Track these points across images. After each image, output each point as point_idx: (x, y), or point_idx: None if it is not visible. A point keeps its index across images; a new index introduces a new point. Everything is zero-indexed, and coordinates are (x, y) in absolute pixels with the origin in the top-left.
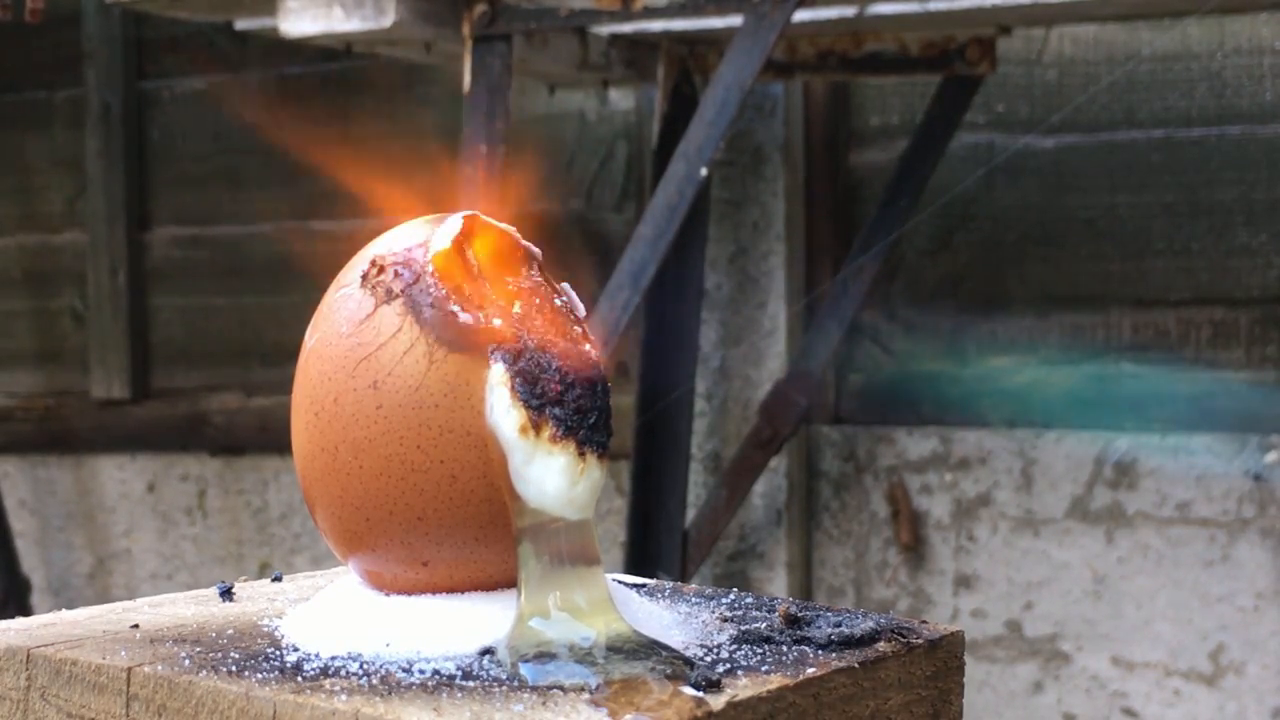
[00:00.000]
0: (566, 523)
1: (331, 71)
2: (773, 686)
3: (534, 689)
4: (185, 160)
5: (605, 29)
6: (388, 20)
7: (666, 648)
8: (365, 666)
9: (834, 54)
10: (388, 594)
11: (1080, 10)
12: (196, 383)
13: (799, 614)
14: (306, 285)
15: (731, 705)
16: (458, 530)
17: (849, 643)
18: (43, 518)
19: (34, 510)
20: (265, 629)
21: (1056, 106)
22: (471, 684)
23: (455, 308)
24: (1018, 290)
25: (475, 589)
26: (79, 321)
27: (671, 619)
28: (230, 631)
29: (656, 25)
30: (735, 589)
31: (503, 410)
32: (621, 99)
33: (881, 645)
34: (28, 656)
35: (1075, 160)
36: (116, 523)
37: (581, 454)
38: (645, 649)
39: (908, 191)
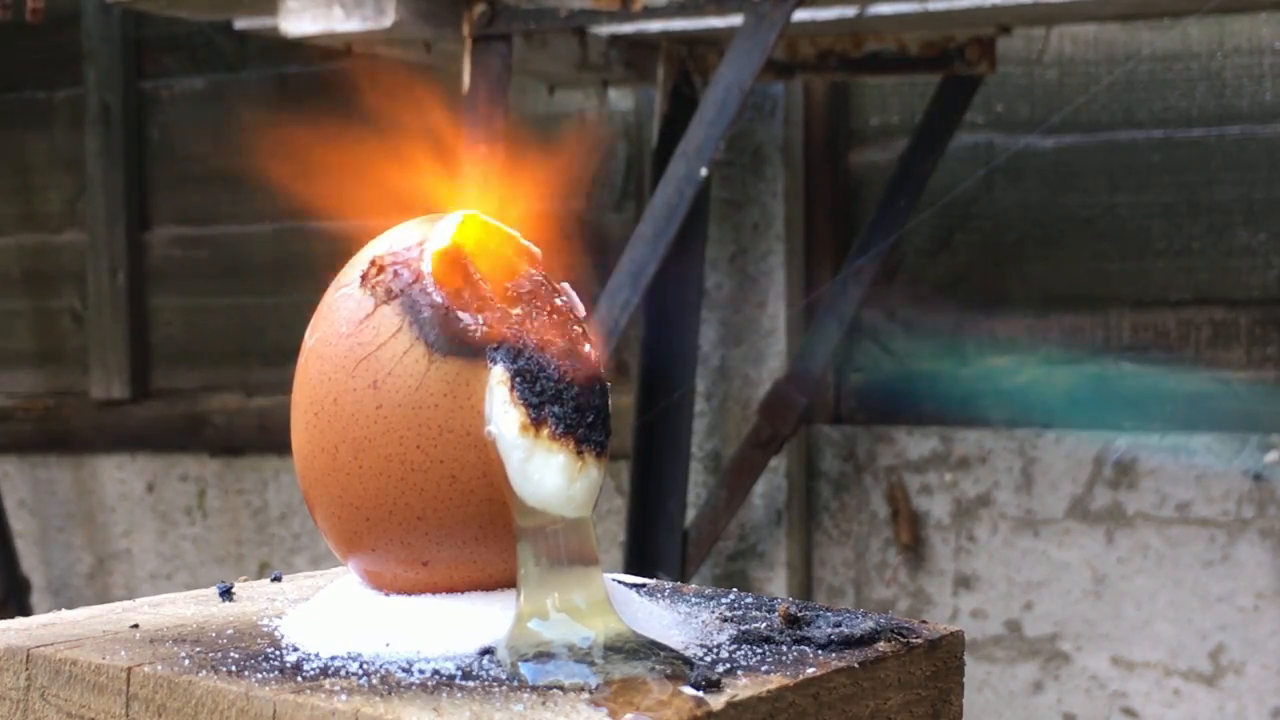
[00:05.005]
0: (565, 522)
1: (331, 71)
2: (772, 686)
3: (534, 689)
4: (185, 160)
5: (605, 29)
6: (388, 20)
7: (666, 648)
8: (365, 666)
9: (834, 54)
10: (388, 594)
11: (1080, 10)
12: (196, 383)
13: (799, 614)
14: (306, 285)
15: (731, 705)
16: (458, 530)
17: (849, 643)
18: (43, 518)
19: (34, 510)
20: (265, 629)
21: (1056, 106)
22: (471, 684)
23: (454, 308)
24: (1018, 290)
25: (475, 589)
26: (79, 322)
27: (671, 619)
28: (230, 631)
29: (656, 25)
30: (735, 589)
31: (502, 409)
32: (621, 99)
33: (881, 645)
34: (28, 656)
35: (1075, 160)
36: (116, 523)
37: (580, 453)
38: (644, 649)
39: (908, 191)
